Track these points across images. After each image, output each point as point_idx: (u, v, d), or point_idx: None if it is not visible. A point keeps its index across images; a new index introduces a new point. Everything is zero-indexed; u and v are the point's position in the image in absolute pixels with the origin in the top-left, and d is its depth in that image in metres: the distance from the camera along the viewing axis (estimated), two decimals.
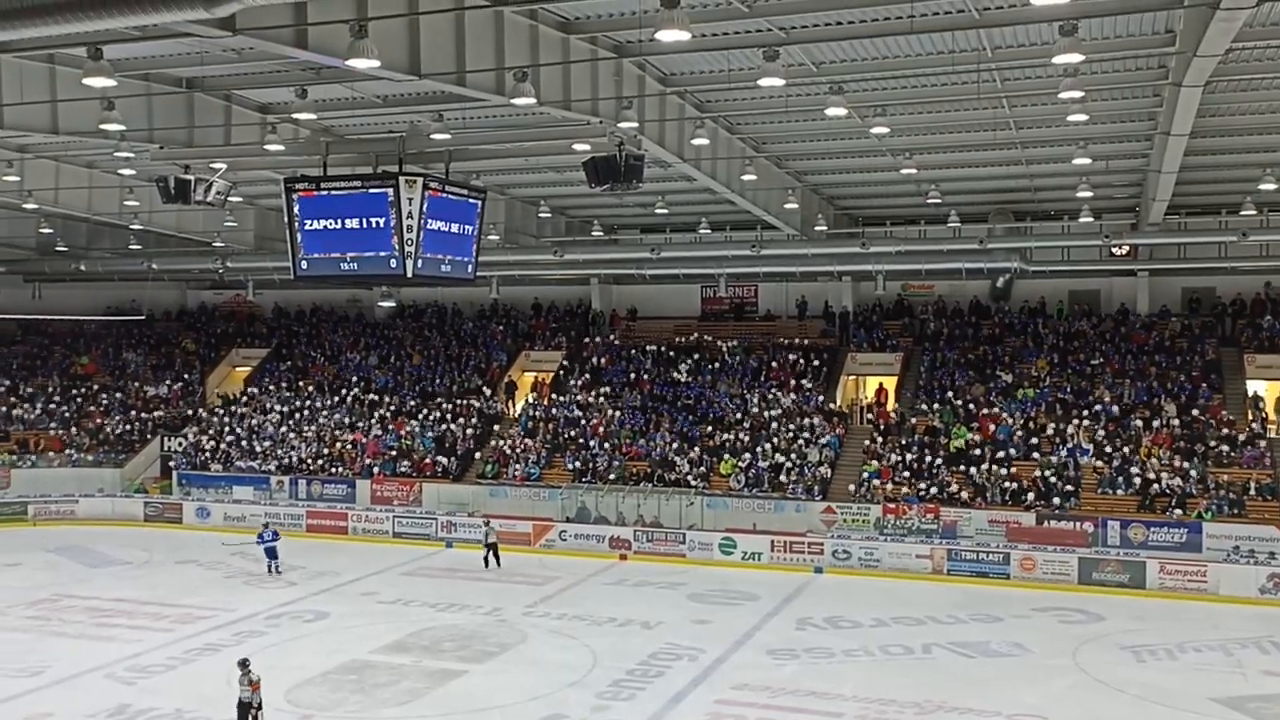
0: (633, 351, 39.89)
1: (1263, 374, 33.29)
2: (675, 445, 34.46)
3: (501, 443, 36.34)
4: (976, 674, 19.91)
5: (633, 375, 38.63)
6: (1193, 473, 29.32)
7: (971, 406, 33.75)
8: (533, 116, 21.42)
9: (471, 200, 19.55)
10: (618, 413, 36.63)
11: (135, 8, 9.00)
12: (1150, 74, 19.96)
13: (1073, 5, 13.44)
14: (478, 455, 36.22)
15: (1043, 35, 17.31)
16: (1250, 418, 31.54)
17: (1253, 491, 28.55)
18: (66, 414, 41.18)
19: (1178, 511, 28.34)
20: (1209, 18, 13.92)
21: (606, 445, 35.08)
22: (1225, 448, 30.22)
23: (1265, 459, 29.75)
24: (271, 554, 27.73)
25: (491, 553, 28.70)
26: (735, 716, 17.42)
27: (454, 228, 19.05)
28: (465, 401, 38.65)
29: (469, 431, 37.04)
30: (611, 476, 33.51)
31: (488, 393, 39.24)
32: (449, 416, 37.95)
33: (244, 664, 16.54)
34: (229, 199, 23.29)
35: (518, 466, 34.95)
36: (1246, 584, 25.27)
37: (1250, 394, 32.63)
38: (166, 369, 44.15)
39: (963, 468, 31.31)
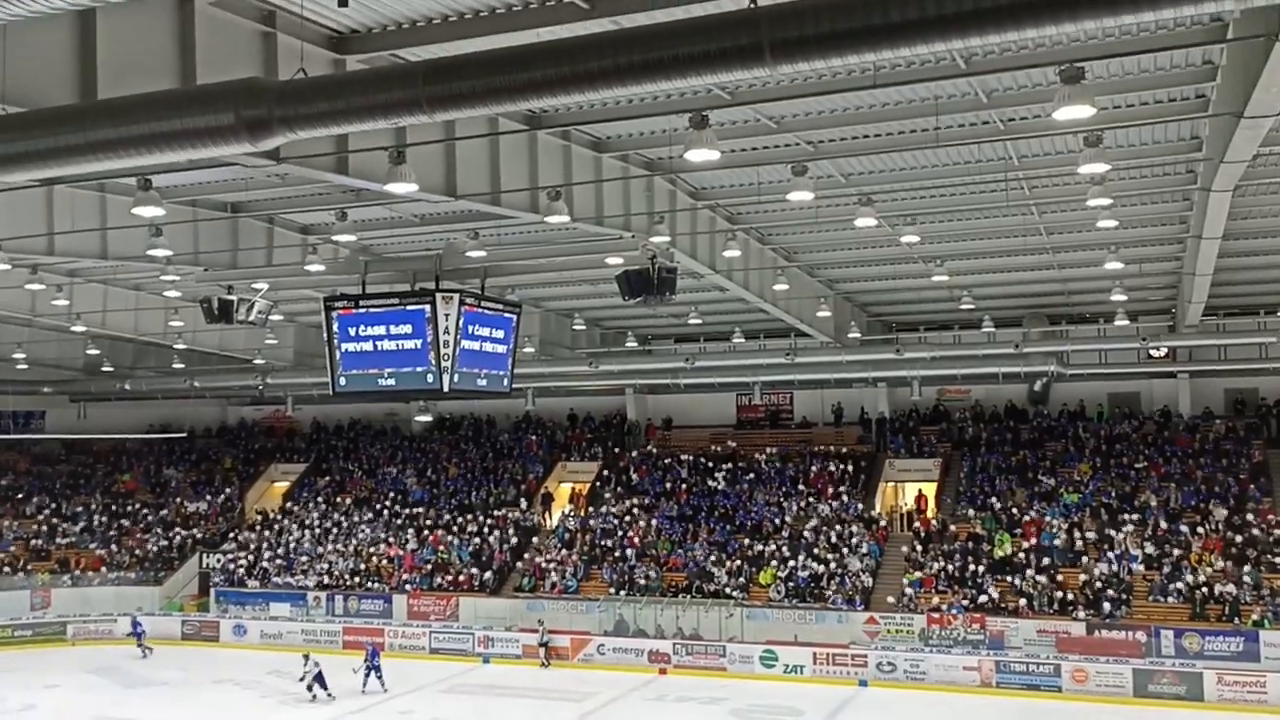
0: (668, 461, 39.76)
1: None
2: (713, 555, 34.07)
3: (538, 555, 36.09)
4: None
5: (669, 485, 38.43)
6: (1246, 579, 28.54)
7: (1014, 512, 33.20)
8: (566, 232, 21.84)
9: (507, 314, 19.80)
10: (654, 523, 36.36)
11: (185, 143, 9.35)
12: (1178, 179, 20.12)
13: (1096, 116, 13.61)
14: (515, 568, 35.95)
15: (1068, 144, 17.55)
16: None
17: None
18: (108, 533, 41.44)
19: (1233, 620, 27.50)
20: (1235, 125, 14.05)
21: (644, 556, 34.73)
22: (1277, 552, 29.43)
23: None
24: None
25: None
26: None
27: (490, 343, 19.29)
28: (502, 514, 38.55)
29: (506, 544, 36.85)
30: (650, 588, 33.08)
31: (524, 505, 39.13)
32: (485, 529, 37.82)
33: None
34: (270, 317, 23.81)
35: (555, 579, 34.63)
36: None
37: None
38: (206, 485, 44.47)
39: (1007, 576, 30.65)
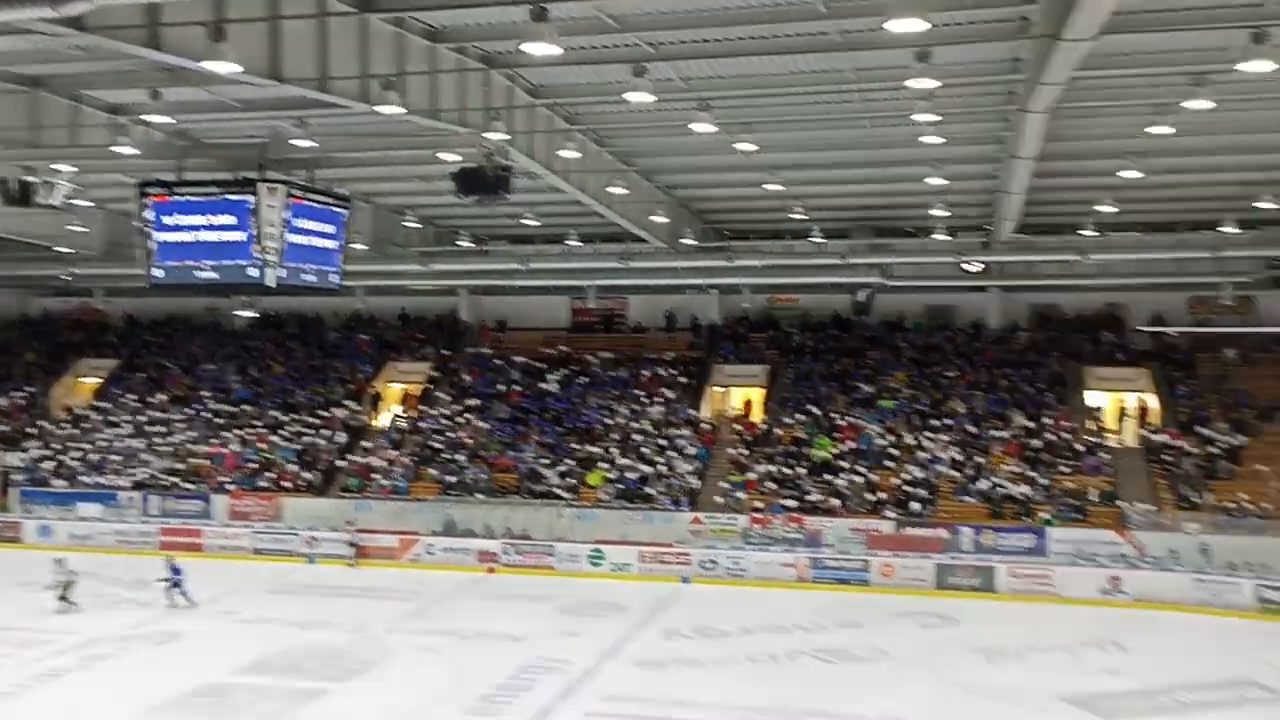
0: (501, 363, 39.64)
1: (1103, 386, 35.05)
2: (544, 457, 34.36)
3: (367, 456, 35.62)
4: (839, 680, 20.39)
5: (501, 387, 38.37)
6: (1039, 480, 30.68)
7: (834, 417, 34.61)
8: (399, 125, 21.06)
9: (336, 209, 19.21)
10: (486, 424, 36.34)
11: None
12: (999, 100, 20.89)
13: (927, 32, 13.96)
14: (342, 469, 35.40)
15: (900, 60, 17.93)
16: (1090, 429, 33.15)
17: (1093, 498, 29.98)
18: None
19: (1025, 519, 29.59)
20: (1052, 47, 14.64)
21: (475, 458, 34.74)
22: (1068, 457, 31.70)
23: (1105, 468, 31.31)
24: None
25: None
26: None
27: (318, 236, 18.69)
28: (329, 414, 37.77)
29: (333, 445, 36.21)
30: (479, 489, 33.20)
31: (352, 405, 38.41)
32: (312, 429, 37.02)
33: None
34: (75, 202, 22.34)
35: (384, 480, 34.32)
36: (1088, 586, 26.52)
37: (1091, 406, 34.31)
38: (6, 380, 41.86)
39: (826, 478, 32.07)
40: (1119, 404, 34.50)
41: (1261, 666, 20.98)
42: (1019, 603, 26.47)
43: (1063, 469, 31.31)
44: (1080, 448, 32.03)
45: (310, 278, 18.86)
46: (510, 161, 20.89)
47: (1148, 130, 21.25)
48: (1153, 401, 34.05)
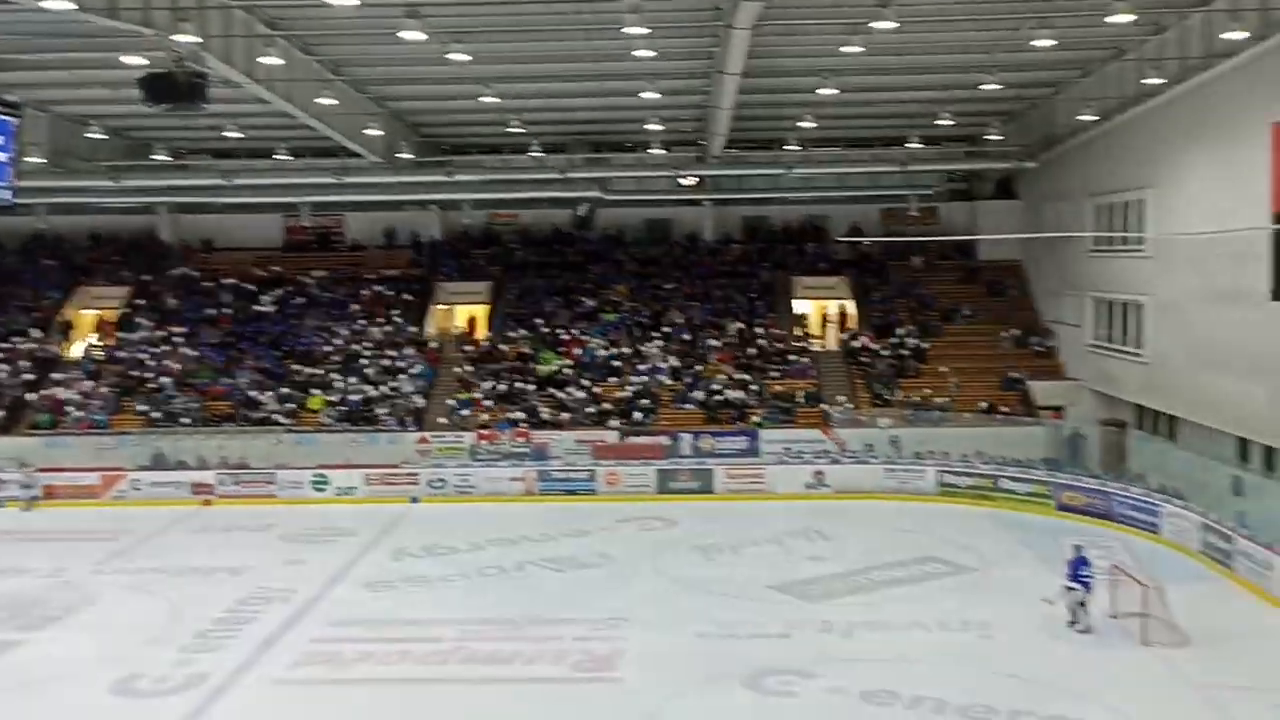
0: (210, 285, 37.43)
1: (808, 294, 37.25)
2: (260, 383, 32.92)
3: (59, 389, 32.86)
4: (567, 586, 20.95)
5: (210, 311, 36.28)
6: (752, 385, 32.42)
7: (559, 332, 35.03)
8: (74, 25, 19.18)
9: (4, 116, 17.47)
10: (194, 351, 34.32)
11: None
12: (707, 15, 21.37)
13: None
14: (31, 403, 32.53)
15: None
16: (797, 334, 35.26)
17: (800, 400, 32.04)
18: None
19: (739, 422, 31.26)
20: None
21: (183, 386, 32.80)
22: (777, 362, 33.63)
23: (810, 371, 33.46)
24: None
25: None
26: (331, 654, 17.15)
27: None
28: (12, 344, 34.48)
29: (19, 378, 33.16)
30: (189, 419, 31.45)
31: (39, 334, 35.21)
32: None
33: None
34: None
35: (80, 414, 31.84)
36: (795, 482, 28.43)
37: (797, 313, 36.46)
38: None
39: (552, 392, 32.53)
40: (822, 310, 36.83)
41: (941, 544, 23.35)
42: (734, 501, 28.01)
43: (772, 374, 33.19)
44: (788, 353, 34.04)
45: None
46: (205, 68, 19.48)
47: (842, 49, 22.41)
48: (851, 308, 36.55)
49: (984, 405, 31.20)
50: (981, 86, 26.60)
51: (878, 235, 37.81)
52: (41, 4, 15.53)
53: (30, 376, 33.40)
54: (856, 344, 34.38)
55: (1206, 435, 24.63)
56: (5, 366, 33.56)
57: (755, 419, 31.30)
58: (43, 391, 32.93)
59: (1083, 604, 17.67)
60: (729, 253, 38.99)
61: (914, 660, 16.56)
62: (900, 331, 34.50)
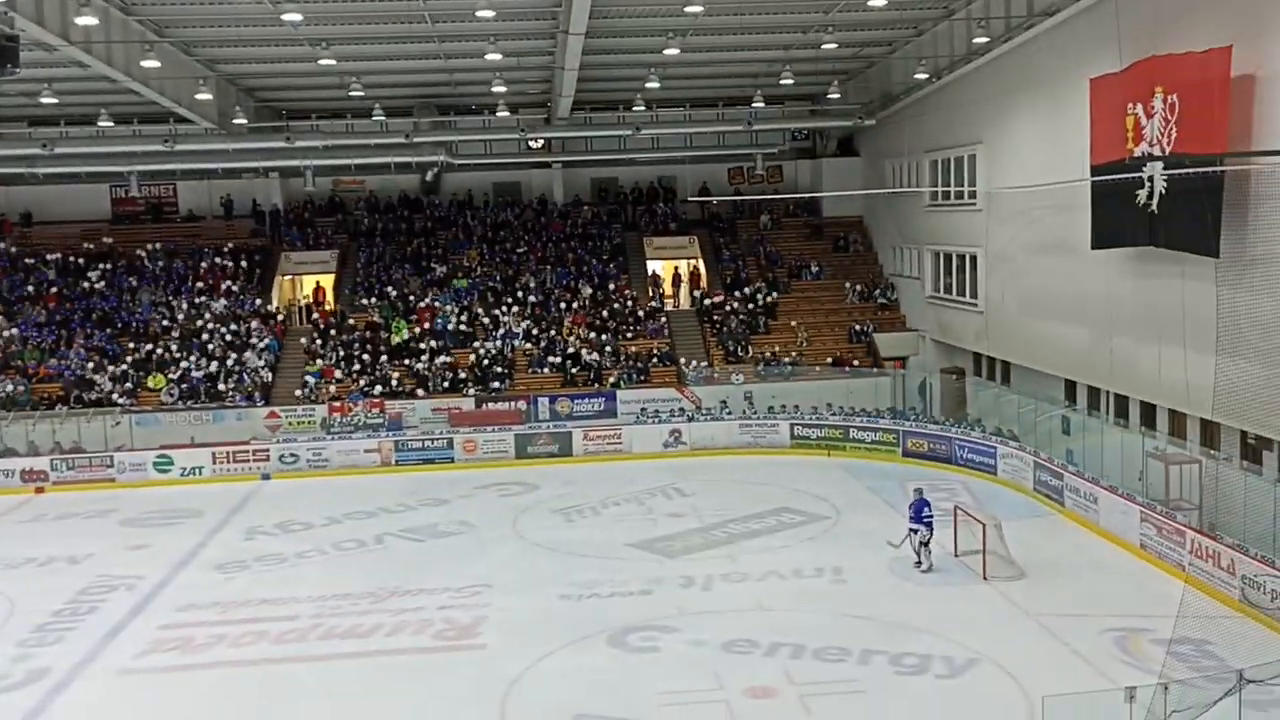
0: (31, 261, 35.34)
1: (660, 255, 37.49)
2: (93, 362, 31.36)
3: None
4: (427, 556, 20.77)
5: (33, 288, 34.30)
6: (607, 347, 32.56)
7: (410, 299, 34.41)
8: None
9: None
10: (17, 331, 32.44)
11: None
12: None
13: None
14: None
15: None
16: (650, 295, 35.53)
17: (655, 360, 32.35)
18: None
19: (596, 384, 31.38)
20: None
21: (8, 368, 30.98)
22: (631, 323, 33.84)
23: (664, 330, 33.78)
24: None
25: None
26: (183, 639, 16.63)
27: None
28: None
29: None
30: (18, 402, 29.75)
31: None
32: None
33: None
34: None
35: None
36: (653, 441, 28.75)
37: (650, 273, 36.70)
38: None
39: (405, 361, 31.99)
40: (673, 270, 37.15)
41: (795, 495, 24.04)
42: (594, 463, 28.17)
43: (627, 334, 33.38)
44: (642, 313, 34.26)
45: None
46: (15, 30, 18.24)
47: (685, 9, 22.48)
48: (702, 267, 36.96)
49: (831, 359, 32.09)
50: (822, 46, 27.10)
51: (726, 194, 38.30)
52: None
53: None
54: (709, 302, 34.85)
55: (1037, 379, 25.93)
56: None
57: (611, 380, 31.47)
58: None
59: (925, 544, 18.48)
60: (579, 215, 38.87)
61: (771, 609, 17.06)
62: (750, 289, 35.11)
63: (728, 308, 34.40)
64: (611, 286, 35.36)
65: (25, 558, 21.40)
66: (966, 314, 29.61)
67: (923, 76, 28.75)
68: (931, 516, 18.65)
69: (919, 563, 18.50)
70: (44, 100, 28.66)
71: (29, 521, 24.56)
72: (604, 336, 33.01)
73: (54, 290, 34.27)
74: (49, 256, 35.46)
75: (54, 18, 20.03)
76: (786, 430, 28.70)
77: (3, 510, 25.45)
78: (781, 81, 29.25)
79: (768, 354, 32.32)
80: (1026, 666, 14.40)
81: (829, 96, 32.56)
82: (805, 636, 15.63)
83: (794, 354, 32.30)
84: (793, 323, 33.63)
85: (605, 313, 34.11)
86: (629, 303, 34.67)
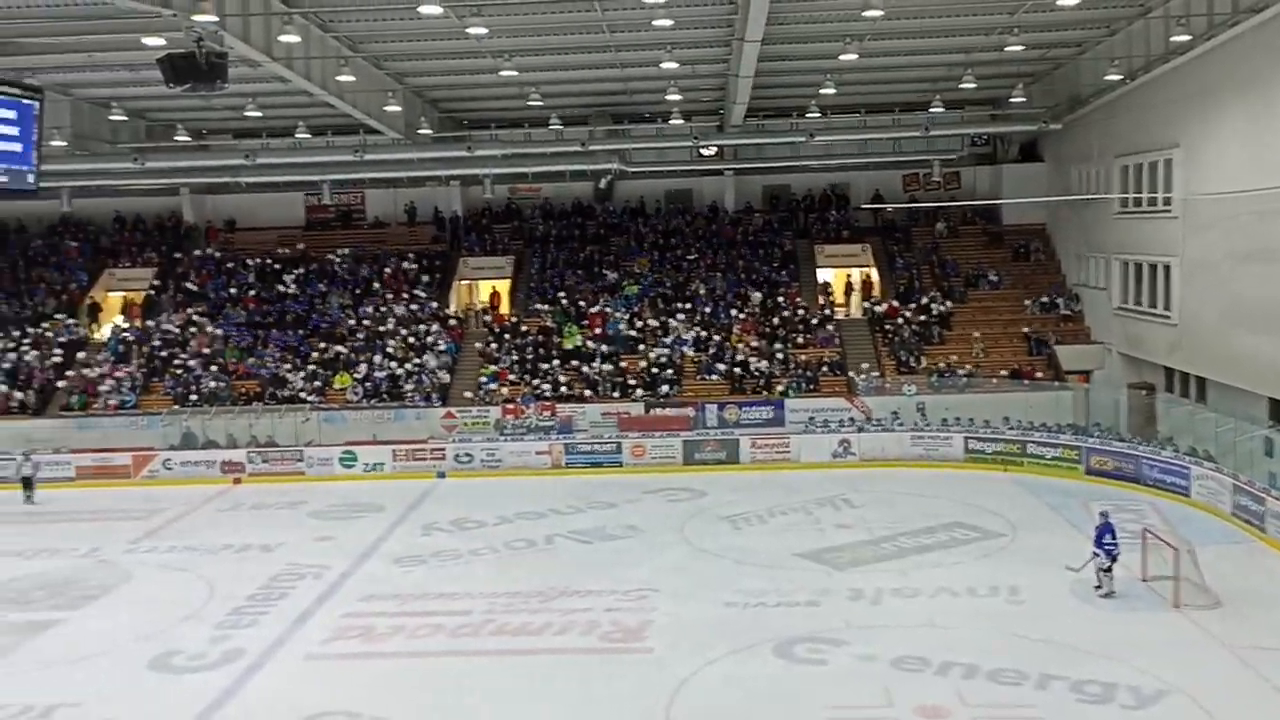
0: (233, 265, 37.62)
1: (831, 262, 37.06)
2: (286, 361, 33.12)
3: (88, 371, 33.19)
4: (594, 558, 21.05)
5: (235, 291, 36.49)
6: (776, 355, 32.33)
7: (582, 305, 35.03)
8: (95, 7, 19.24)
9: (26, 100, 17.53)
10: (220, 330, 34.56)
11: None
12: None
13: None
14: (60, 386, 32.86)
15: None
16: (821, 303, 35.11)
17: (825, 369, 31.93)
18: None
19: (764, 392, 31.20)
20: None
21: (212, 366, 33.06)
22: (801, 331, 33.50)
23: (834, 339, 33.31)
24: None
25: (26, 487, 26.67)
26: (365, 628, 17.33)
27: (6, 132, 17.01)
28: (40, 329, 34.83)
29: (48, 361, 33.50)
30: (219, 398, 31.70)
31: (67, 318, 35.54)
32: (22, 346, 34.05)
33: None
34: None
35: (110, 395, 32.15)
36: (822, 450, 28.37)
37: (820, 281, 36.28)
38: None
39: (576, 365, 32.57)
40: (845, 278, 36.61)
41: (969, 510, 23.29)
42: (761, 471, 28.01)
43: (797, 342, 33.08)
44: (813, 321, 33.89)
45: (2, 179, 17.17)
46: (224, 47, 19.47)
47: (863, 14, 22.14)
48: (875, 275, 36.31)
49: (1009, 372, 30.99)
50: (1006, 48, 26.24)
51: (900, 201, 37.50)
52: None
53: (59, 359, 33.72)
54: (881, 311, 34.19)
55: (1236, 396, 24.38)
56: (36, 351, 33.89)
57: (780, 389, 31.22)
58: (72, 373, 33.25)
59: (1108, 570, 17.59)
60: (751, 222, 38.78)
61: (943, 626, 16.56)
62: (924, 298, 34.27)
63: (900, 317, 33.67)
64: (781, 294, 35.11)
65: (223, 544, 22.74)
66: (1158, 327, 28.11)
67: (1115, 78, 27.48)
68: (1115, 543, 17.68)
69: (1098, 586, 17.64)
70: (248, 113, 30.51)
71: (228, 510, 26.11)
72: (773, 344, 32.79)
73: (253, 293, 36.37)
74: (249, 261, 37.66)
75: (259, 36, 21.27)
76: (960, 443, 27.86)
77: (204, 499, 27.13)
78: (962, 85, 28.51)
79: (942, 365, 31.46)
80: (1222, 701, 13.55)
81: (1012, 100, 31.51)
82: (979, 656, 15.11)
83: (969, 365, 31.33)
84: (975, 334, 32.59)
85: (775, 320, 33.89)
86: (799, 310, 34.35)
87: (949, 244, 37.03)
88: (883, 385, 31.03)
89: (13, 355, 33.63)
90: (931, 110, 32.00)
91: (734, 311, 34.39)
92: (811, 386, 31.36)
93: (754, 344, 32.90)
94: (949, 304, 34.07)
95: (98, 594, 19.68)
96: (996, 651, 15.34)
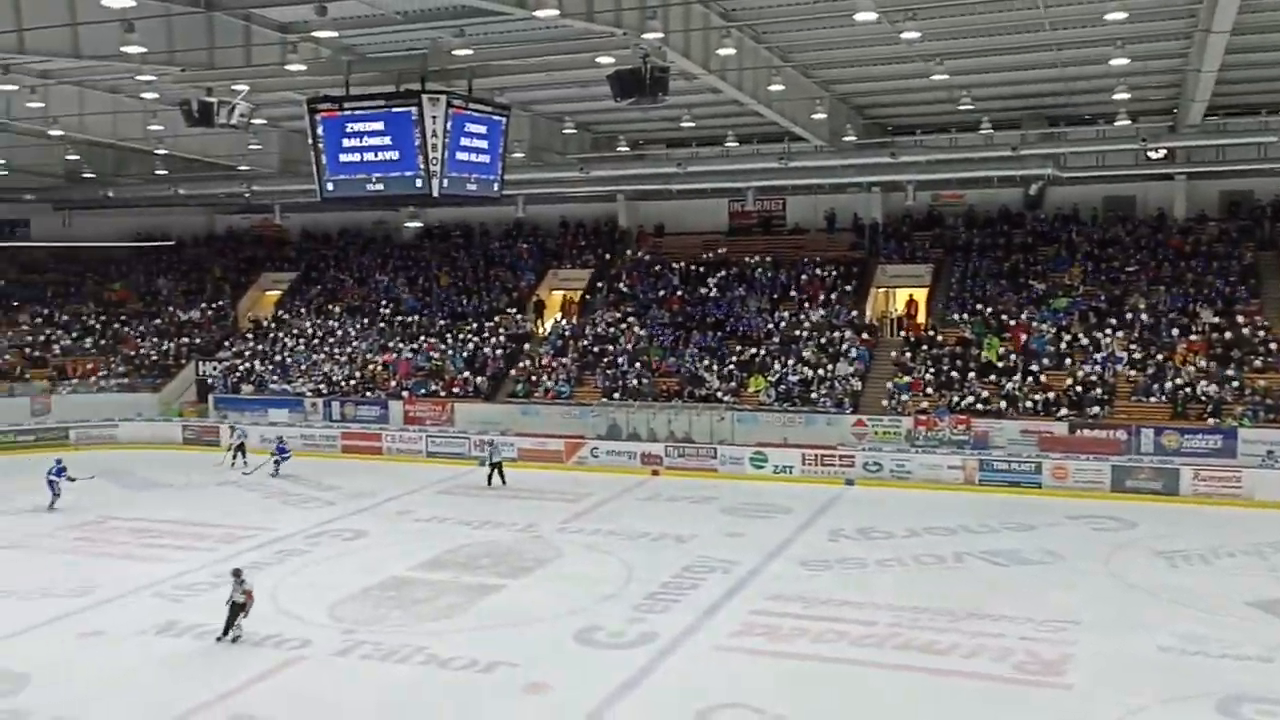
0: (660, 268, 39.74)
1: None
2: (705, 362, 34.48)
3: (531, 362, 36.49)
4: (1008, 581, 20.02)
5: (661, 292, 38.53)
6: (1230, 379, 29.03)
7: (1004, 317, 33.45)
8: (555, 30, 21.06)
9: (495, 117, 19.45)
10: (646, 330, 36.65)
11: None
12: None
13: None
14: (509, 375, 36.40)
15: None
16: None
17: None
18: (100, 340, 41.68)
19: (1213, 419, 28.12)
20: None
21: (636, 363, 35.15)
22: (1261, 354, 29.85)
23: None
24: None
25: (496, 471, 28.97)
26: (770, 627, 17.62)
27: (479, 145, 18.98)
28: (494, 322, 38.77)
29: (499, 351, 37.22)
30: (642, 393, 33.64)
31: (516, 313, 39.29)
32: (479, 337, 38.11)
33: (237, 573, 17.18)
34: (252, 121, 23.21)
35: (549, 385, 35.14)
36: None
37: None
38: (198, 294, 44.45)
39: (994, 379, 31.16)
40: None
41: None
42: (1204, 506, 25.36)
43: (1255, 366, 29.53)
44: (1272, 344, 30.11)
45: (473, 187, 19.23)
46: (667, 62, 20.57)
47: None
48: None
49: None
50: None
51: None
52: (535, 13, 17.13)
53: (508, 350, 37.34)
54: None
55: None
56: (490, 341, 37.77)
57: (1232, 417, 28.01)
58: (519, 364, 36.70)
59: None
60: (1204, 231, 35.11)
61: None
62: None
63: None
64: (1238, 311, 31.47)
65: (641, 532, 24.06)
66: None
67: None
68: None
69: None
70: (683, 124, 32.07)
71: (646, 500, 27.61)
72: (1226, 367, 29.47)
73: (677, 294, 38.22)
74: (674, 265, 39.61)
75: (698, 50, 22.27)
76: None
77: (625, 487, 28.88)
78: None
79: None
80: None
81: None
82: None
83: None
84: None
85: (1229, 338, 30.46)
86: (1260, 331, 30.62)
87: None
88: None
89: (472, 344, 37.70)
90: None
91: (1179, 330, 31.31)
92: (1271, 416, 27.84)
93: (1202, 365, 29.76)
94: None
95: (533, 566, 21.54)
96: None
